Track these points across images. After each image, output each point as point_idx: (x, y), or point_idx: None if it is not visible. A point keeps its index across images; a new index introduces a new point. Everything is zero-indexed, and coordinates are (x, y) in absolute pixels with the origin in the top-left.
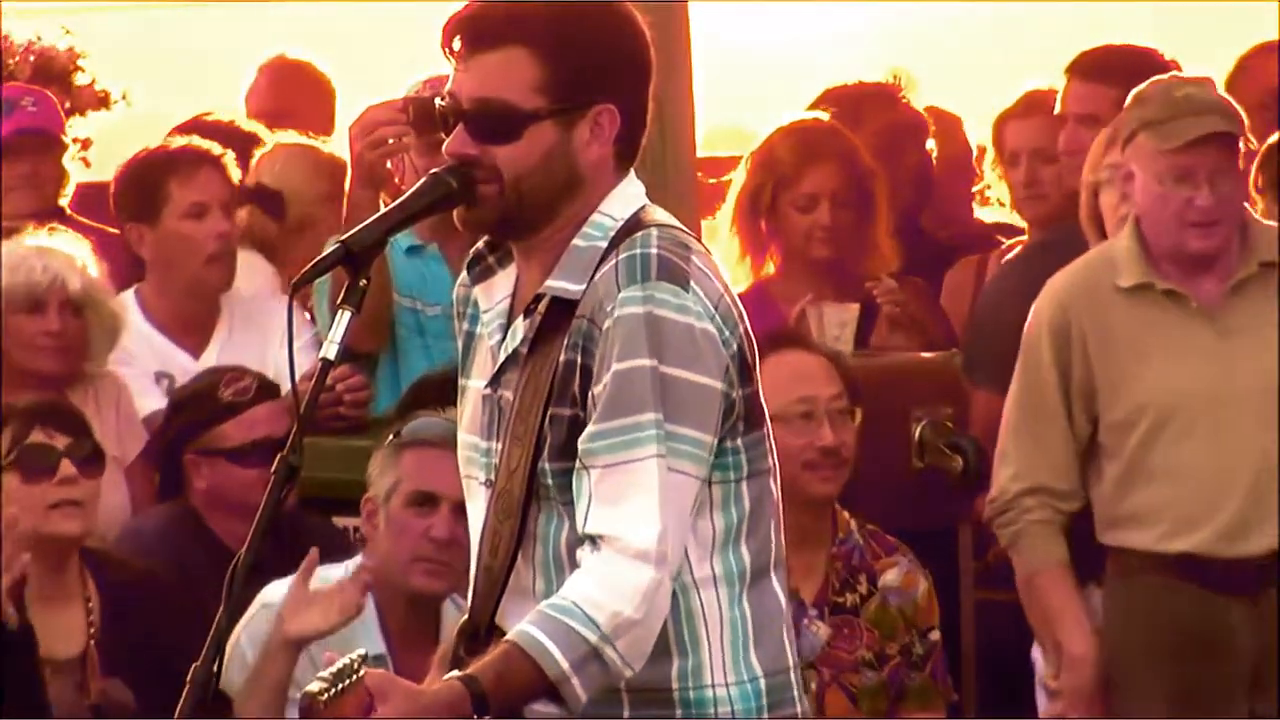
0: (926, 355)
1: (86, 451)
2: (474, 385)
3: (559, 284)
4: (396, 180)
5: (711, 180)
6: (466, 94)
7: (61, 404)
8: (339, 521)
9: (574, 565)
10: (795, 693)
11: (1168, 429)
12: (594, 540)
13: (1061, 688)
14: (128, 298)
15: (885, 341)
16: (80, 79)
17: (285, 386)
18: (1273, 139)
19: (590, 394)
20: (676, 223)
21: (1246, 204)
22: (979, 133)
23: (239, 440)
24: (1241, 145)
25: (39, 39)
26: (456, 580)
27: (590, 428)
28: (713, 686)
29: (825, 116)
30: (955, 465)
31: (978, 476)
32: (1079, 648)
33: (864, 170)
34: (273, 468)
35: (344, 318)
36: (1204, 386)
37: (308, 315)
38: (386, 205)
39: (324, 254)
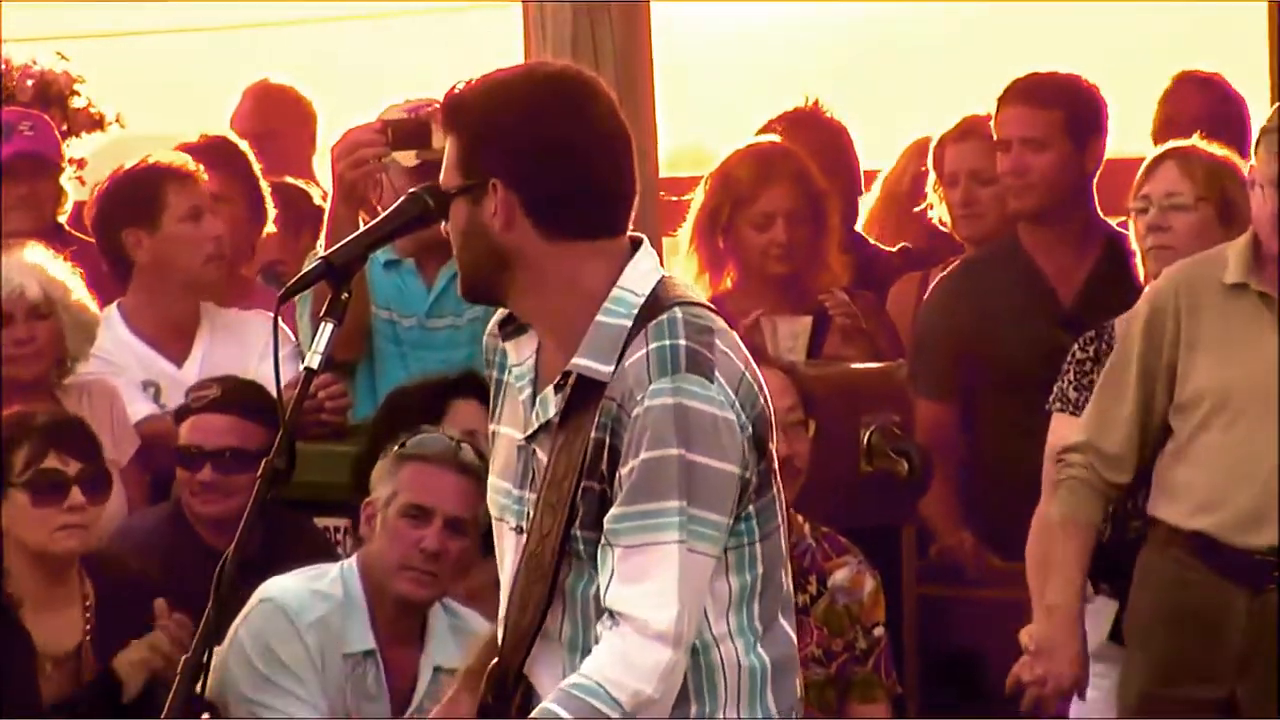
0: (875, 365)
1: (96, 475)
2: (505, 431)
3: (587, 363)
4: (373, 200)
5: (674, 199)
6: None
7: (76, 426)
8: (320, 522)
9: (599, 615)
10: None
11: (1220, 415)
12: (614, 616)
13: (1033, 638)
14: (111, 311)
15: (837, 352)
16: (76, 102)
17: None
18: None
19: (617, 475)
20: (696, 295)
21: None
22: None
23: (182, 441)
24: None
25: (35, 63)
26: (441, 589)
27: (615, 509)
28: None
29: (778, 139)
30: (901, 468)
31: (922, 479)
32: (1054, 596)
33: (817, 190)
34: (259, 471)
35: (327, 329)
36: (1261, 383)
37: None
38: (365, 223)
39: (307, 269)
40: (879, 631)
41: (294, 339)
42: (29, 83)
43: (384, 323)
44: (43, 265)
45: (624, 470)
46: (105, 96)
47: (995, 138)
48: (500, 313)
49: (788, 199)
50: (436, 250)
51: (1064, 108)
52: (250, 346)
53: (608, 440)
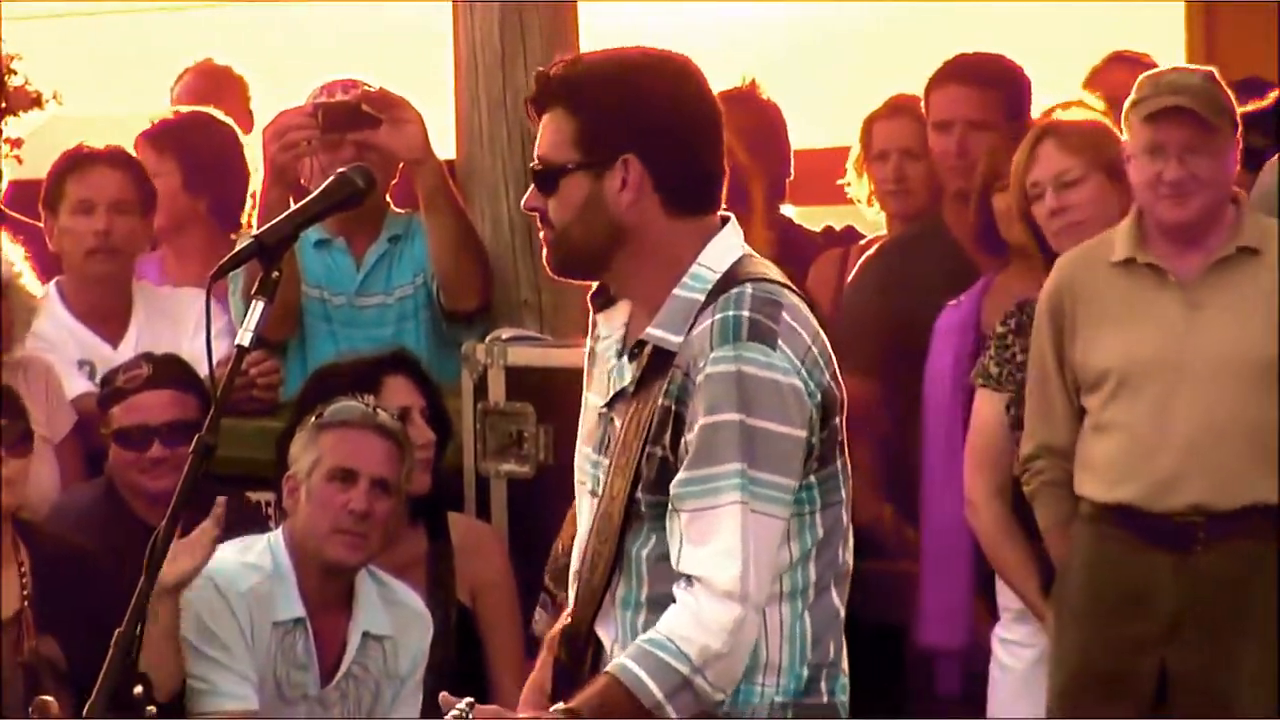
0: None
1: (18, 432)
2: (593, 400)
3: (659, 333)
4: (303, 180)
5: None
6: (535, 153)
7: None
8: (253, 496)
9: (652, 576)
10: (823, 685)
11: (1126, 388)
12: (687, 579)
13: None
14: (50, 290)
15: None
16: (14, 80)
17: (200, 371)
18: None
19: (682, 441)
20: (772, 272)
21: (1244, 193)
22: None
23: (121, 423)
24: (1237, 135)
25: None
26: (371, 552)
27: (680, 474)
28: (761, 685)
29: None
30: None
31: None
32: None
33: (740, 169)
34: (191, 447)
35: (258, 307)
36: (1162, 354)
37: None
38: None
39: (239, 248)
40: None
41: (227, 316)
42: None
43: (314, 301)
44: None
45: (689, 436)
46: (42, 75)
47: (931, 118)
48: (595, 286)
49: None
50: (366, 229)
51: (1004, 88)
52: (183, 324)
53: (674, 407)
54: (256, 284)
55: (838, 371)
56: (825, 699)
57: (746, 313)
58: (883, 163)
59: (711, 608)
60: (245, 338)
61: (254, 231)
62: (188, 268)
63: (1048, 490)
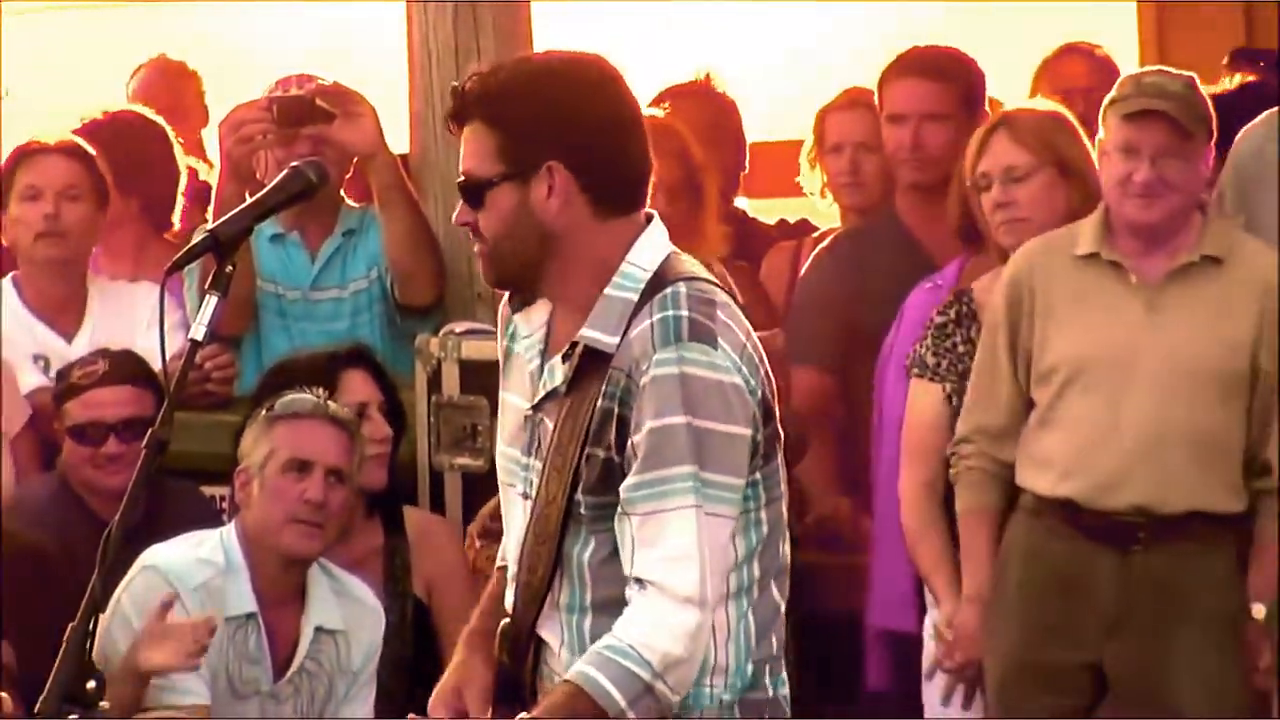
0: None
1: None
2: (514, 401)
3: (594, 334)
4: (258, 174)
5: None
6: (461, 169)
7: None
8: (207, 490)
9: (596, 581)
10: (767, 680)
11: (1077, 383)
12: (640, 583)
13: (952, 627)
14: (5, 283)
15: None
16: None
17: (154, 366)
18: None
19: (630, 443)
20: (701, 271)
21: (1210, 198)
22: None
23: (76, 419)
24: (1211, 144)
25: None
26: (326, 542)
27: (630, 478)
28: (710, 687)
29: (660, 114)
30: None
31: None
32: (973, 587)
33: (695, 164)
34: (144, 442)
35: (211, 301)
36: (1118, 352)
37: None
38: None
39: (193, 242)
40: None
41: (182, 310)
42: None
43: (269, 295)
44: None
45: (635, 439)
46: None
47: (885, 110)
48: None
49: (667, 173)
50: (320, 223)
51: (960, 81)
52: (138, 318)
53: (616, 409)
54: (210, 278)
55: (770, 371)
56: (769, 693)
57: (685, 312)
58: (837, 155)
59: (671, 614)
60: (199, 332)
61: (209, 225)
62: (120, 266)
63: (971, 476)
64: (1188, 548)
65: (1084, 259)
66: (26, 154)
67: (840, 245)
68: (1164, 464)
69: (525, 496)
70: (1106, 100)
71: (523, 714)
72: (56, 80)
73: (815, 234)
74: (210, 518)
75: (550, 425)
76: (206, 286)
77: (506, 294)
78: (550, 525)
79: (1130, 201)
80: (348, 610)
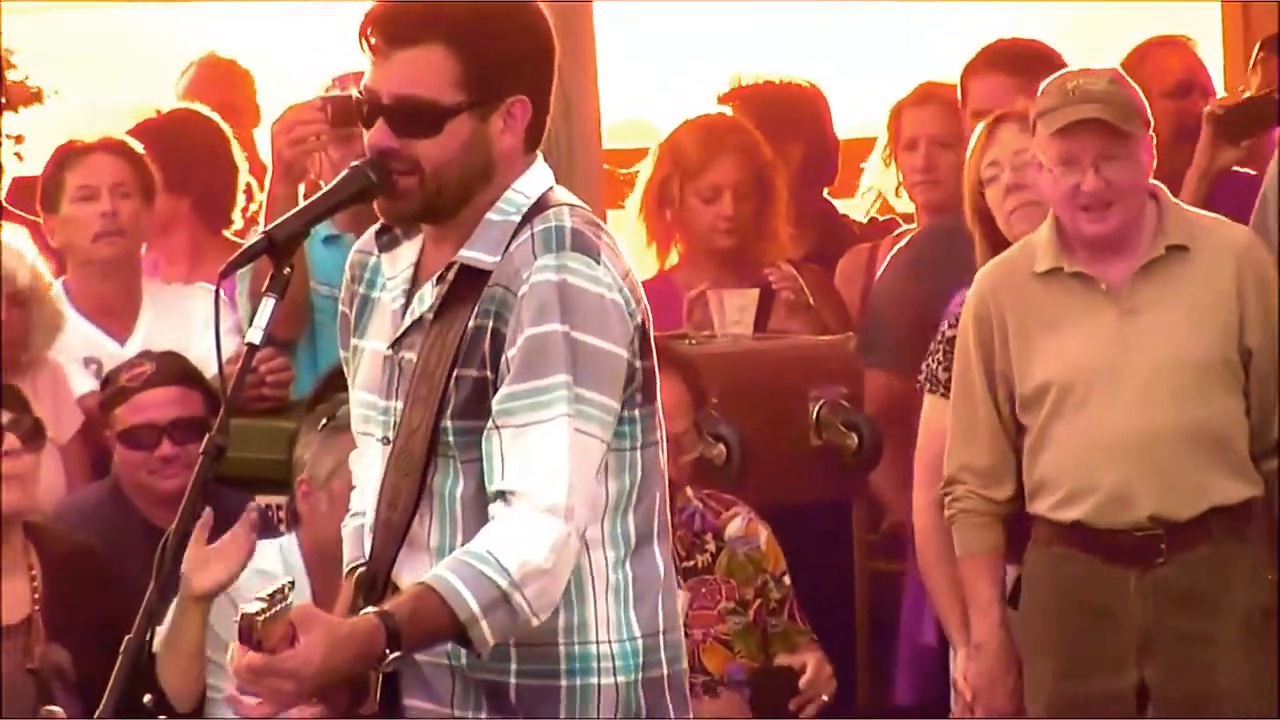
0: (823, 338)
1: (28, 426)
2: (371, 346)
3: (472, 254)
4: (313, 175)
5: (619, 171)
6: (386, 89)
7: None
8: (261, 499)
9: (469, 519)
10: (662, 655)
11: (1067, 402)
12: (505, 496)
13: (968, 681)
14: (56, 287)
15: (783, 325)
16: (13, 75)
17: (209, 371)
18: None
19: (504, 357)
20: (582, 204)
21: (1163, 187)
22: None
23: (127, 423)
24: (1149, 133)
25: None
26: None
27: (503, 389)
28: (596, 643)
29: (729, 111)
30: (850, 442)
31: (871, 453)
32: (979, 635)
33: (764, 162)
34: (201, 448)
35: (268, 304)
36: (1101, 362)
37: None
38: (305, 198)
39: (248, 244)
40: (787, 580)
41: (235, 314)
42: None
43: (324, 298)
44: (33, 257)
45: (510, 352)
46: (42, 69)
47: (970, 106)
48: (379, 225)
49: (735, 171)
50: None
51: (1045, 76)
52: (192, 320)
53: (490, 325)
54: (267, 281)
55: (649, 311)
56: (666, 669)
57: (569, 223)
58: (912, 151)
59: (535, 523)
60: (255, 335)
61: (264, 228)
62: (175, 268)
63: (964, 519)
64: (1209, 550)
65: (1046, 275)
66: (72, 154)
67: (911, 248)
68: (1168, 467)
69: (385, 442)
70: (1034, 112)
71: (366, 608)
72: (108, 78)
73: (892, 235)
74: (266, 528)
75: (413, 357)
76: (263, 289)
77: (367, 236)
78: (414, 458)
79: (1082, 215)
80: None
